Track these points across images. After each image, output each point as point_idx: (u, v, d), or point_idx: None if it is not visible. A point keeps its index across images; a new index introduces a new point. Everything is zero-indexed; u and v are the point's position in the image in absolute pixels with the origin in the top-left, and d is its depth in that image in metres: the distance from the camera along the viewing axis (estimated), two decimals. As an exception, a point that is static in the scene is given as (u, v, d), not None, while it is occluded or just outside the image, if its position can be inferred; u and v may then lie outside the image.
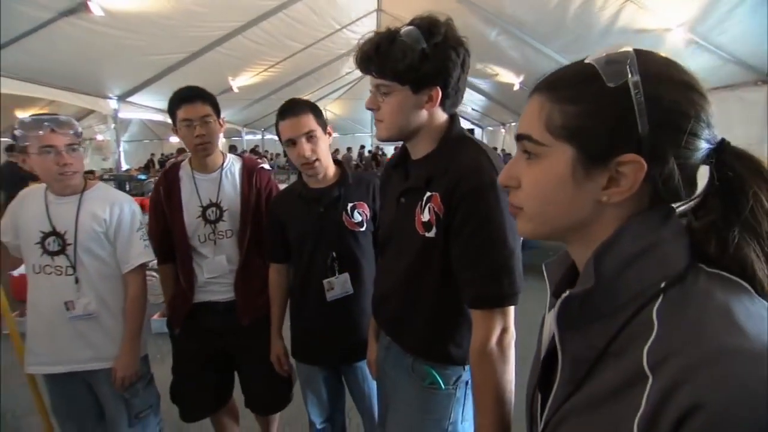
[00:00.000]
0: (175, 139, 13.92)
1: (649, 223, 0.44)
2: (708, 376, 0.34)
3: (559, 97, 0.45)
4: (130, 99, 6.98)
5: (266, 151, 13.02)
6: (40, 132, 1.20)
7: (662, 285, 0.42)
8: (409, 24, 0.84)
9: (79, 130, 1.29)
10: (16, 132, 1.22)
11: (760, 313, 0.38)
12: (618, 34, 4.69)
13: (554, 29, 5.37)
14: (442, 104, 0.88)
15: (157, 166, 12.23)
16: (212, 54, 6.37)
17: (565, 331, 0.47)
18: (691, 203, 0.46)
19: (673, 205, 0.46)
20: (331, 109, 14.86)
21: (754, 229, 0.42)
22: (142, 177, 7.78)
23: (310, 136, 1.25)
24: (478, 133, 15.59)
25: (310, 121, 1.26)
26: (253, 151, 10.41)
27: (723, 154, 0.44)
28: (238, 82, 8.08)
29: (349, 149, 13.74)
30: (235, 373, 1.62)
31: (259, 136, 14.94)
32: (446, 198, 0.84)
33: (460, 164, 0.85)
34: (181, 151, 7.31)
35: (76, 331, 1.30)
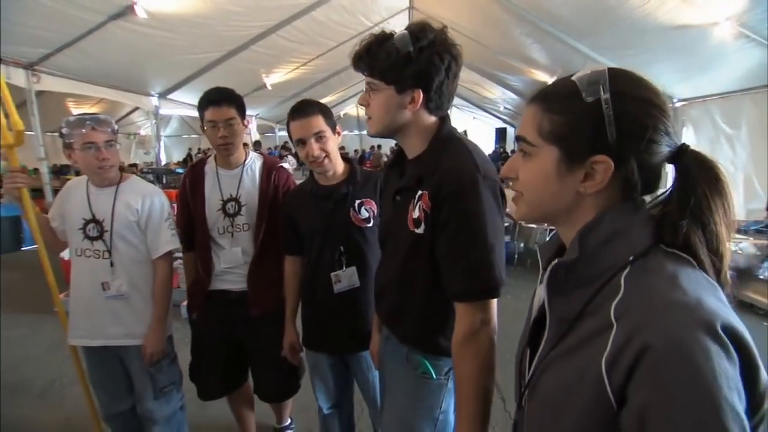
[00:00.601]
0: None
1: (623, 211, 0.55)
2: (656, 324, 0.45)
3: (549, 108, 0.56)
4: (170, 96, 7.34)
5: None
6: (83, 130, 1.33)
7: (630, 258, 0.52)
8: (406, 29, 0.88)
9: (116, 127, 1.42)
10: (63, 130, 1.36)
11: (698, 279, 0.50)
12: (659, 31, 4.45)
13: (591, 25, 5.16)
14: (427, 107, 0.92)
15: (194, 161, 12.79)
16: (247, 52, 6.58)
17: (553, 295, 0.59)
18: (662, 196, 0.56)
19: (646, 197, 0.56)
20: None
21: (700, 221, 0.52)
22: (180, 171, 8.18)
23: (319, 137, 1.31)
24: (510, 132, 15.21)
25: (319, 122, 1.31)
26: (284, 147, 10.67)
27: (684, 157, 0.54)
28: (271, 80, 8.30)
29: (379, 147, 13.80)
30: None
31: (291, 133, 15.28)
32: (433, 196, 0.88)
33: (445, 164, 0.89)
34: (216, 147, 7.67)
35: (110, 309, 1.43)
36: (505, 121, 15.00)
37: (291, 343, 1.55)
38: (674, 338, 0.43)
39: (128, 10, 4.59)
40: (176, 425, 1.58)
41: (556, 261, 0.57)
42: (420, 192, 0.91)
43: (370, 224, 1.37)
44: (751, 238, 3.87)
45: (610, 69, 0.53)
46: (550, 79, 7.40)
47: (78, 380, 1.64)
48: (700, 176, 0.52)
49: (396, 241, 1.01)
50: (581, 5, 4.82)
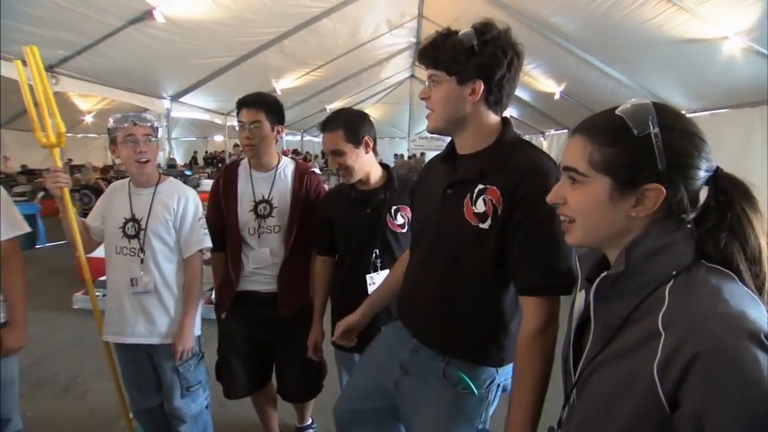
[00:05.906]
0: (219, 138, 14.59)
1: (666, 229, 0.59)
2: (705, 333, 0.49)
3: (598, 140, 0.60)
4: (181, 99, 7.42)
5: (308, 153, 13.39)
6: (125, 124, 1.40)
7: (674, 273, 0.57)
8: (472, 26, 0.90)
9: (156, 124, 1.48)
10: (109, 126, 1.43)
11: (740, 292, 0.54)
12: (667, 45, 4.52)
13: (599, 38, 5.24)
14: (486, 100, 0.92)
15: (200, 163, 12.87)
16: (258, 57, 6.66)
17: (598, 303, 0.63)
18: (695, 214, 0.61)
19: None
20: (369, 113, 14.99)
21: (738, 234, 0.57)
22: (188, 173, 8.30)
23: (335, 153, 1.37)
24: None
25: (336, 140, 1.36)
26: (295, 152, 10.76)
27: (718, 179, 0.59)
28: (281, 85, 8.38)
29: (423, 154, 13.62)
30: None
31: (298, 137, 15.41)
32: (507, 193, 0.87)
33: (522, 164, 0.89)
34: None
35: (141, 307, 1.46)
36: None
37: (315, 341, 1.58)
38: (724, 345, 0.48)
39: (147, 15, 4.68)
40: (202, 423, 1.60)
41: (604, 273, 0.61)
42: (482, 186, 0.90)
43: (404, 230, 1.41)
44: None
45: (654, 103, 0.58)
46: (557, 90, 7.50)
47: (100, 376, 1.68)
48: (736, 195, 0.58)
49: (440, 237, 0.97)
50: (588, 19, 4.88)
